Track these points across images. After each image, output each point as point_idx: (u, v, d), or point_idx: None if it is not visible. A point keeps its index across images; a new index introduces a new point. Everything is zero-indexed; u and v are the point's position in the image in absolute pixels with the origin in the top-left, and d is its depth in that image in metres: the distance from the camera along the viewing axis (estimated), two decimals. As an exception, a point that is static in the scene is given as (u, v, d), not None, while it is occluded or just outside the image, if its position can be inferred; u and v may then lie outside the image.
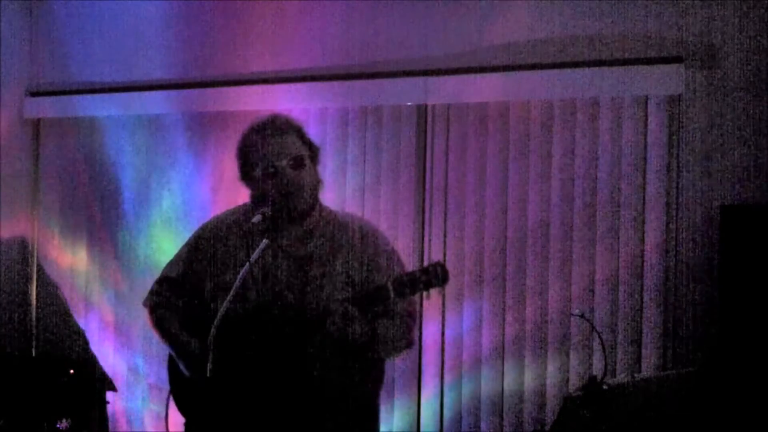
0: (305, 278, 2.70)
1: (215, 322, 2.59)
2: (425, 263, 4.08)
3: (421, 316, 4.09)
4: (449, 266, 3.99)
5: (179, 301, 2.89)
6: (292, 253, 2.74)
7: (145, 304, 2.96)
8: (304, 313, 2.65)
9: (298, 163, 2.72)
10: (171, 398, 2.82)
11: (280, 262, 2.73)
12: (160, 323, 2.89)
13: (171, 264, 2.95)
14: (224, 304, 2.59)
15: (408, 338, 2.81)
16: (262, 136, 2.73)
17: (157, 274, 3.02)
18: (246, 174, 2.78)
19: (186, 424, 2.83)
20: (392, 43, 4.21)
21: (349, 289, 2.69)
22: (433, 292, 2.62)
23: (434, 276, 2.59)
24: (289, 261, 2.73)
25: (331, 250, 2.75)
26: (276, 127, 2.75)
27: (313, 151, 2.79)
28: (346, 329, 2.58)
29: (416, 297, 2.82)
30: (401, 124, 4.19)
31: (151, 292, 2.95)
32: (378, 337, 2.67)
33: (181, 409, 2.82)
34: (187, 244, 2.93)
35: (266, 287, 2.67)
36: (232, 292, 2.60)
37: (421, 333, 4.10)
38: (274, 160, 2.70)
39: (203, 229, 2.93)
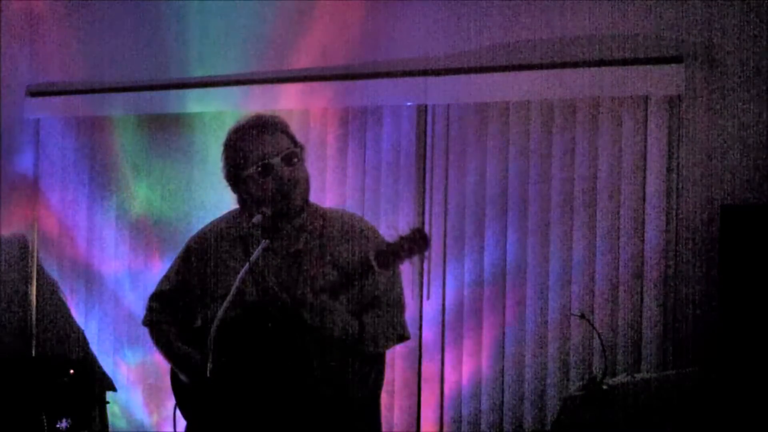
0: (298, 275, 2.70)
1: (215, 323, 2.59)
2: (424, 266, 4.09)
3: (421, 317, 4.10)
4: (449, 268, 4.09)
5: (176, 315, 2.88)
6: (284, 250, 2.73)
7: (144, 323, 2.95)
8: (298, 311, 2.63)
9: (291, 160, 2.72)
10: (177, 410, 2.81)
11: (273, 260, 2.72)
12: (159, 340, 2.88)
13: (164, 278, 2.94)
14: (224, 305, 2.59)
15: (400, 329, 2.79)
16: (253, 135, 2.72)
17: (156, 275, 3.01)
18: (234, 174, 2.75)
19: (187, 428, 2.82)
20: (392, 43, 4.21)
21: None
22: (416, 258, 2.60)
23: (415, 242, 2.56)
24: (282, 259, 2.73)
25: (322, 244, 2.74)
26: (265, 125, 2.74)
27: (300, 147, 2.78)
28: (324, 321, 2.57)
29: (402, 288, 2.82)
30: (401, 124, 4.19)
31: (148, 310, 2.94)
32: (367, 331, 2.66)
33: (188, 417, 2.81)
34: (178, 257, 2.92)
35: (261, 287, 2.66)
36: (232, 291, 2.60)
37: (420, 333, 4.10)
38: (268, 157, 2.69)
39: (193, 240, 2.91)
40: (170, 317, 2.88)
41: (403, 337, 2.81)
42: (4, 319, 4.96)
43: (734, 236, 3.42)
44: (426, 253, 2.60)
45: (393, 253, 2.56)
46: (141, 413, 4.81)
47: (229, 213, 2.89)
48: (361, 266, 2.59)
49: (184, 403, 2.81)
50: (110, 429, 4.76)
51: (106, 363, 4.88)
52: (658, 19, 3.74)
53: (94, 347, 4.93)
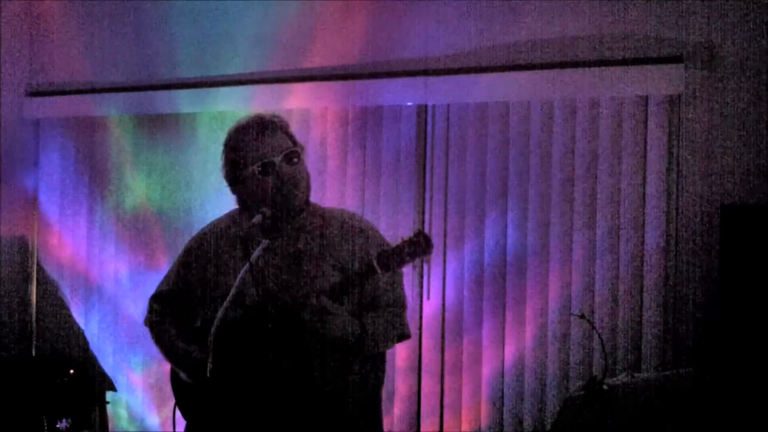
0: (298, 275, 2.70)
1: (215, 322, 2.59)
2: (424, 266, 4.09)
3: (421, 317, 4.10)
4: (449, 266, 4.09)
5: (176, 315, 2.88)
6: (284, 250, 2.73)
7: (145, 324, 2.95)
8: (297, 311, 2.63)
9: (291, 159, 2.72)
10: (177, 410, 2.81)
11: (273, 260, 2.72)
12: (160, 340, 2.88)
13: (165, 279, 2.94)
14: (224, 305, 2.59)
15: (400, 328, 2.79)
16: (254, 135, 2.72)
17: (156, 276, 3.02)
18: (235, 174, 2.75)
19: (187, 428, 2.82)
20: (392, 43, 4.21)
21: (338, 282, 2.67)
22: (418, 261, 2.61)
23: (417, 245, 2.57)
24: (282, 259, 2.72)
25: (322, 244, 2.74)
26: (266, 124, 2.74)
27: (301, 147, 2.79)
28: (324, 323, 2.57)
29: (403, 287, 2.82)
30: (401, 124, 4.19)
31: (149, 311, 2.94)
32: (368, 332, 2.66)
33: (188, 417, 2.81)
34: (179, 257, 2.93)
35: (262, 287, 2.66)
36: (232, 292, 2.60)
37: (420, 333, 4.10)
38: (269, 157, 2.69)
39: (193, 240, 2.92)
40: (171, 318, 2.88)
41: (404, 336, 2.81)
42: (4, 319, 4.96)
43: (734, 236, 3.42)
44: (429, 256, 2.61)
45: (395, 256, 2.56)
46: (149, 416, 4.80)
47: (229, 213, 2.89)
48: (363, 268, 2.59)
49: (183, 402, 2.81)
50: (112, 430, 4.76)
51: (106, 363, 4.88)
52: (658, 19, 3.73)
53: (94, 347, 4.93)
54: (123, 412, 4.86)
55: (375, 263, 2.56)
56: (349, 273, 2.64)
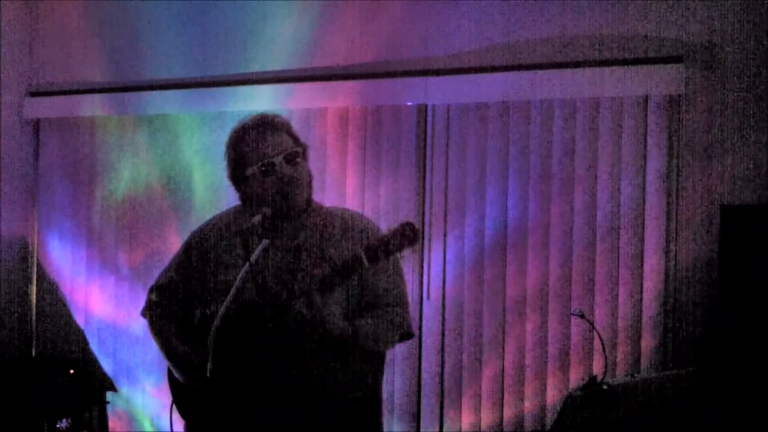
0: (296, 271, 2.69)
1: (215, 323, 2.58)
2: (424, 266, 4.09)
3: (421, 317, 4.11)
4: (449, 268, 4.10)
5: (174, 309, 2.88)
6: (284, 247, 2.73)
7: (142, 314, 2.95)
8: (288, 301, 2.61)
9: (293, 160, 2.72)
10: (174, 408, 2.81)
11: (273, 258, 2.72)
12: (156, 332, 2.88)
13: (165, 271, 2.94)
14: (224, 305, 2.59)
15: (402, 329, 2.79)
16: (255, 135, 2.72)
17: (156, 275, 3.01)
18: (237, 173, 2.76)
19: (186, 427, 2.82)
20: (392, 43, 4.21)
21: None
22: (406, 252, 2.59)
23: (404, 236, 2.56)
24: (282, 257, 2.72)
25: (321, 241, 2.74)
26: (267, 125, 2.74)
27: (303, 147, 2.78)
28: (314, 315, 2.56)
29: (406, 286, 2.82)
30: (401, 124, 4.19)
31: (147, 301, 2.94)
32: (359, 335, 2.65)
33: (185, 416, 2.81)
34: (180, 251, 2.92)
35: (261, 287, 2.65)
36: (232, 292, 2.59)
37: (421, 333, 4.11)
38: (270, 157, 2.69)
39: (195, 234, 2.92)
40: (169, 310, 2.87)
41: (406, 335, 2.81)
42: (4, 319, 4.96)
43: (734, 236, 3.42)
44: (415, 246, 2.60)
45: (382, 247, 2.55)
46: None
47: (232, 209, 2.89)
48: (351, 261, 2.59)
49: (179, 401, 2.81)
50: (113, 430, 4.77)
51: (106, 363, 4.88)
52: (658, 19, 3.74)
53: (94, 347, 4.94)
54: (122, 412, 4.86)
55: (362, 255, 2.56)
56: (336, 265, 2.63)
